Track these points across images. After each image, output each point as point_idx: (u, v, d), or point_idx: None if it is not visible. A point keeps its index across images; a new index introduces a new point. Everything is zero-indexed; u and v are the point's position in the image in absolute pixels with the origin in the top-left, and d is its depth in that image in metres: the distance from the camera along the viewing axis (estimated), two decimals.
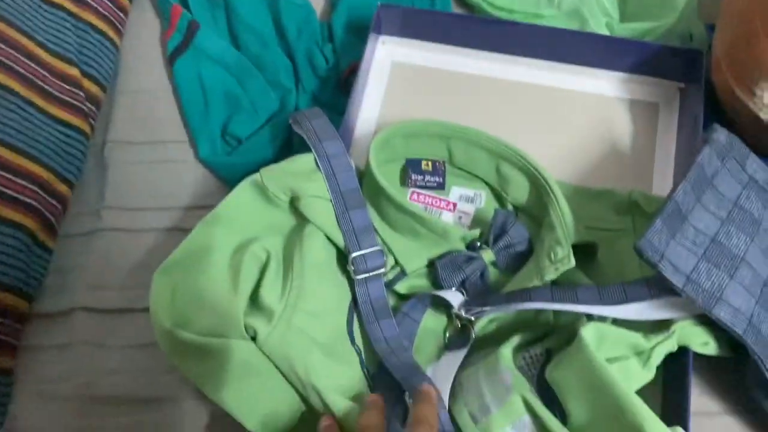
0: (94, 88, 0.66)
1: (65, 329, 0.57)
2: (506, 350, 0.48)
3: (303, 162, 0.54)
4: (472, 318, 0.50)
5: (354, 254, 0.52)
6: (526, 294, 0.49)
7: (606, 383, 0.43)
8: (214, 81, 0.67)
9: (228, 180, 0.63)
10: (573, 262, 0.49)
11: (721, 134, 0.51)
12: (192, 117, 0.66)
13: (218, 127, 0.65)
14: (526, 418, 0.45)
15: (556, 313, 0.52)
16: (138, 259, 0.60)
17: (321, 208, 0.52)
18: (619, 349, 0.46)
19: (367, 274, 0.52)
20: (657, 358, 0.46)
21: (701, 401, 0.51)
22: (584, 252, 0.53)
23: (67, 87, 0.64)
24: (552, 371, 0.46)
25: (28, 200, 0.58)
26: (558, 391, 0.46)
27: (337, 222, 0.52)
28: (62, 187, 0.61)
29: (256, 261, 0.49)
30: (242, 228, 0.52)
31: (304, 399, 0.48)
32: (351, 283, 0.53)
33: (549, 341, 0.51)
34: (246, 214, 0.52)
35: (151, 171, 0.64)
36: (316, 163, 0.54)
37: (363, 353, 0.52)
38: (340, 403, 0.46)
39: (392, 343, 0.51)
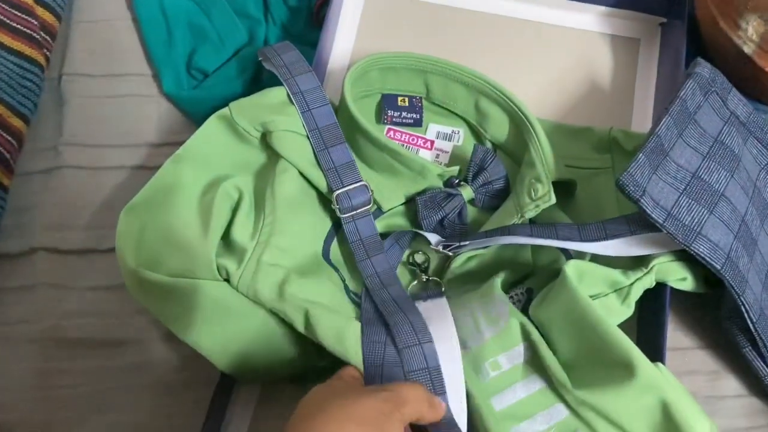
0: (48, 17, 0.62)
1: (27, 271, 0.55)
2: (498, 281, 0.47)
3: (274, 95, 0.52)
4: (451, 254, 0.49)
5: (337, 191, 0.50)
6: (505, 230, 0.48)
7: (591, 319, 0.43)
8: (178, 9, 0.63)
9: (193, 115, 0.60)
10: (554, 199, 0.48)
11: (704, 68, 0.50)
12: (155, 48, 0.62)
13: (183, 59, 0.62)
14: (521, 347, 0.45)
15: (535, 252, 0.51)
16: (100, 198, 0.57)
17: (293, 143, 0.50)
18: (598, 286, 0.46)
19: (353, 212, 0.50)
20: (636, 294, 0.46)
21: (675, 336, 0.52)
22: (563, 190, 0.52)
23: (19, 14, 0.59)
24: (536, 309, 0.46)
25: None
26: (542, 329, 0.45)
27: (316, 160, 0.51)
28: (17, 122, 0.57)
29: (228, 200, 0.48)
30: (212, 165, 0.50)
31: (280, 338, 0.47)
32: (328, 213, 0.52)
33: (530, 281, 0.50)
34: (215, 150, 0.51)
35: (112, 106, 0.61)
36: (289, 97, 0.51)
37: (347, 281, 0.51)
38: (326, 319, 0.45)
39: (384, 277, 0.49)
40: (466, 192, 0.52)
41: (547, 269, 0.50)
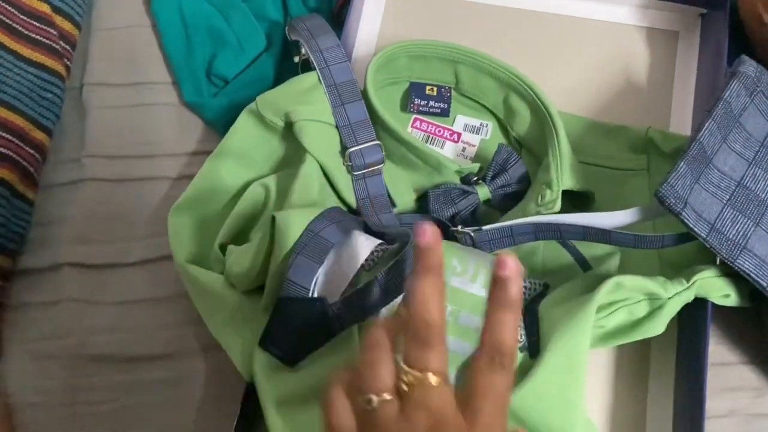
0: (67, 26, 0.61)
1: (53, 286, 0.54)
2: None
3: (300, 81, 0.52)
4: (472, 233, 0.47)
5: (351, 149, 0.50)
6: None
7: (581, 363, 0.40)
8: (196, 15, 0.62)
9: (215, 123, 0.59)
10: (558, 207, 0.47)
11: (749, 67, 0.47)
12: (174, 55, 0.61)
13: (202, 66, 0.60)
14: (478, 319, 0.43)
15: (546, 259, 0.50)
16: (125, 210, 0.57)
17: (316, 133, 0.50)
18: (633, 295, 0.44)
19: (365, 170, 0.50)
20: (672, 309, 0.43)
21: (717, 351, 0.49)
22: (584, 199, 0.50)
23: (38, 25, 0.59)
24: (548, 307, 0.44)
25: (4, 150, 0.54)
26: (542, 327, 0.43)
27: (334, 116, 0.51)
28: (39, 135, 0.57)
29: (252, 200, 0.50)
30: (248, 160, 0.52)
31: None
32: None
33: (549, 279, 0.48)
34: (249, 144, 0.52)
35: (134, 115, 0.60)
36: (318, 79, 0.51)
37: None
38: None
39: (392, 229, 0.48)
40: (483, 191, 0.51)
41: (560, 276, 0.48)
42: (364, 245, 0.43)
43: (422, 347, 0.33)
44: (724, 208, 0.42)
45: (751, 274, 0.41)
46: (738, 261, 0.41)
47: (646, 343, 0.48)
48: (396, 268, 0.41)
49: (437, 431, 0.31)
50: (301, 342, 0.41)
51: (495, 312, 0.34)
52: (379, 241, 0.44)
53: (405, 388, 0.32)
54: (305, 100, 0.51)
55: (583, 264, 0.50)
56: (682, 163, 0.42)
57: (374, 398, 0.32)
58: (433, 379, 0.32)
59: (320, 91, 0.51)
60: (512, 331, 0.34)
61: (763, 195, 0.43)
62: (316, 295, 0.42)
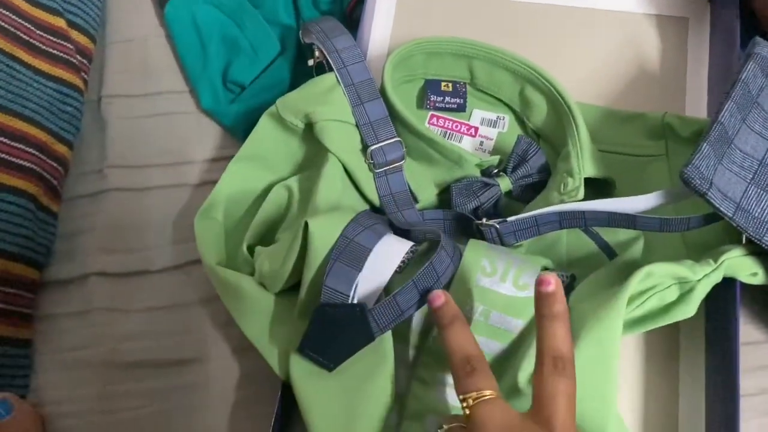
0: (83, 39, 0.62)
1: (81, 296, 0.55)
2: (542, 260, 0.47)
3: (320, 82, 0.52)
4: (497, 225, 0.47)
5: (372, 147, 0.50)
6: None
7: (614, 357, 0.41)
8: (210, 23, 0.62)
9: (234, 129, 0.60)
10: (581, 194, 0.47)
11: (764, 48, 0.47)
12: (190, 64, 0.62)
13: (218, 73, 0.61)
14: (519, 323, 0.44)
15: (570, 248, 0.50)
16: (148, 218, 0.57)
17: (337, 133, 0.50)
18: (664, 281, 0.44)
19: (386, 167, 0.51)
20: (702, 291, 0.43)
21: (745, 330, 0.49)
22: (606, 186, 0.51)
23: (54, 40, 0.59)
24: (577, 302, 0.44)
25: (27, 164, 0.55)
26: (572, 322, 0.42)
27: (354, 116, 0.51)
28: (61, 148, 0.58)
29: (276, 201, 0.51)
30: (270, 162, 0.53)
31: None
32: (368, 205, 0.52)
33: (574, 268, 0.49)
34: (271, 147, 0.53)
35: (153, 125, 0.61)
36: (337, 79, 0.52)
37: None
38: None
39: (417, 226, 0.49)
40: (504, 183, 0.51)
41: (585, 265, 0.48)
42: (397, 249, 0.44)
43: (469, 375, 0.37)
44: (748, 186, 0.42)
45: None
46: (765, 238, 0.41)
47: (675, 326, 0.48)
48: (430, 270, 0.42)
49: None
50: (341, 347, 0.42)
51: (545, 325, 0.38)
52: (411, 244, 0.45)
53: (468, 412, 0.36)
54: (325, 100, 0.51)
55: (608, 251, 0.50)
56: (705, 144, 0.42)
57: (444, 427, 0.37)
58: (488, 393, 0.36)
59: (339, 92, 0.52)
60: (565, 339, 0.38)
61: None
62: (355, 301, 0.42)
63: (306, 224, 0.44)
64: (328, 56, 0.52)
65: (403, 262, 0.44)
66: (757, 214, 0.41)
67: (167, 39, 0.64)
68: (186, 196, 0.58)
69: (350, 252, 0.42)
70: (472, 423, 0.36)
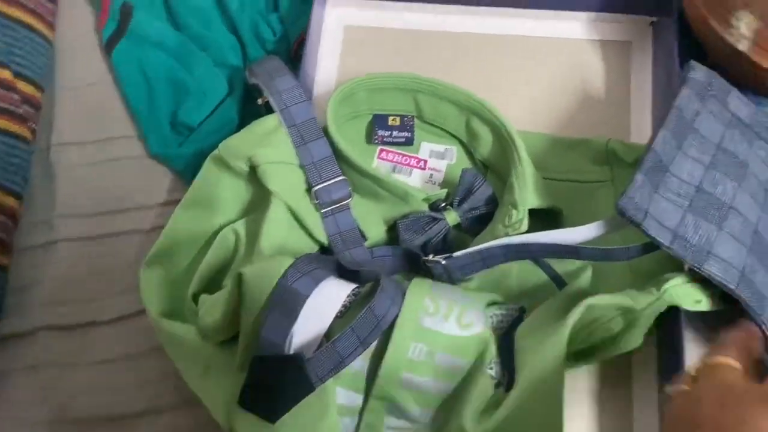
0: (29, 89, 0.62)
1: (31, 350, 0.54)
2: (488, 295, 0.47)
3: (261, 124, 0.52)
4: (443, 261, 0.47)
5: (316, 187, 0.51)
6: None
7: (558, 394, 0.39)
8: (157, 67, 0.62)
9: (184, 173, 0.59)
10: (525, 227, 0.47)
11: (699, 72, 0.48)
12: (138, 109, 0.61)
13: (166, 117, 0.61)
14: (464, 363, 0.43)
15: (521, 279, 0.50)
16: (98, 268, 0.57)
17: (280, 174, 0.50)
18: (607, 313, 0.44)
19: (333, 206, 0.51)
20: (646, 321, 0.43)
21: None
22: (554, 218, 0.51)
23: (0, 92, 0.59)
24: (522, 338, 0.44)
25: None
26: (517, 360, 0.43)
27: (297, 156, 0.51)
28: (10, 201, 0.57)
29: (223, 246, 0.50)
30: (217, 207, 0.52)
31: None
32: (316, 245, 0.51)
33: (525, 299, 0.49)
34: (216, 191, 0.52)
35: (102, 172, 0.60)
36: (279, 121, 0.52)
37: None
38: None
39: (364, 265, 0.49)
40: (451, 217, 0.51)
41: (535, 296, 0.48)
42: (336, 294, 0.43)
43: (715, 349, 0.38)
44: (685, 214, 0.42)
45: (719, 278, 0.41)
46: (705, 266, 0.41)
47: (627, 355, 0.48)
48: (368, 315, 0.42)
49: (729, 394, 0.34)
50: (281, 399, 0.41)
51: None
52: (353, 287, 0.44)
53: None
54: (267, 142, 0.51)
55: (558, 281, 0.50)
56: (639, 174, 0.42)
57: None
58: (719, 359, 0.36)
59: (281, 133, 0.52)
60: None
61: (723, 198, 0.43)
62: (291, 352, 0.42)
63: (240, 275, 0.43)
64: (270, 97, 0.52)
65: (344, 306, 0.44)
66: (694, 242, 0.41)
67: (116, 84, 0.64)
68: (137, 243, 0.58)
69: (286, 300, 0.41)
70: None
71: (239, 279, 0.43)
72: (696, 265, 0.41)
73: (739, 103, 0.48)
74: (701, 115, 0.47)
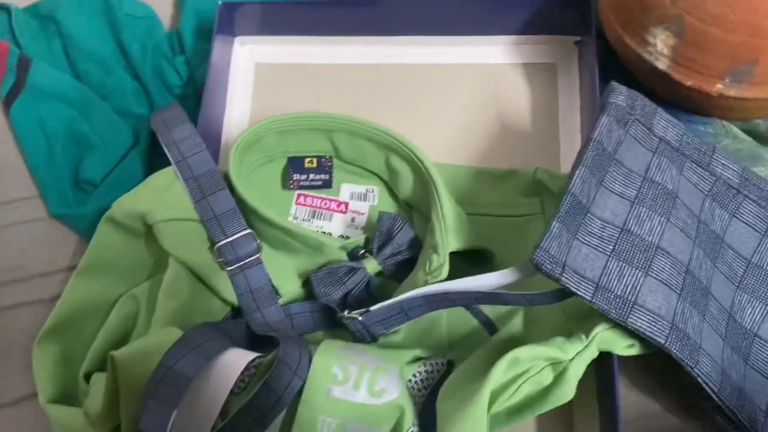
0: None
1: None
2: (405, 354, 0.42)
3: (156, 179, 0.49)
4: (360, 317, 0.44)
5: (219, 243, 0.46)
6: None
7: None
8: (57, 121, 0.58)
9: (88, 233, 0.55)
10: (444, 274, 0.43)
11: (619, 96, 0.44)
12: (37, 167, 0.57)
13: (68, 174, 0.57)
14: None
15: (450, 326, 0.47)
16: None
17: (177, 232, 0.47)
18: (535, 364, 0.40)
19: (240, 263, 0.46)
20: (577, 371, 0.39)
21: (643, 403, 0.45)
22: (484, 257, 0.47)
23: None
24: (443, 399, 0.40)
25: None
26: (439, 424, 0.39)
27: (197, 211, 0.47)
28: None
29: (122, 313, 0.47)
30: (115, 271, 0.48)
31: None
32: (224, 300, 0.47)
33: (453, 353, 0.45)
34: (114, 254, 0.48)
35: (0, 238, 0.56)
36: (175, 173, 0.48)
37: None
38: None
39: (277, 327, 0.45)
40: (371, 265, 0.47)
41: (467, 344, 0.45)
42: (231, 368, 0.39)
43: None
44: (608, 260, 0.39)
45: (647, 332, 0.37)
46: (630, 320, 0.37)
47: (567, 406, 0.44)
48: (265, 390, 0.37)
49: None
50: None
51: None
52: (251, 357, 0.40)
53: None
54: (163, 198, 0.47)
55: (489, 326, 0.47)
56: (555, 221, 0.39)
57: None
58: None
59: (178, 186, 0.48)
60: None
61: (650, 238, 0.40)
62: None
63: (112, 358, 0.39)
64: (165, 148, 0.48)
65: (243, 380, 0.39)
66: (619, 292, 0.38)
67: (15, 143, 0.59)
68: (41, 314, 0.53)
69: (167, 384, 0.37)
70: None
71: (112, 364, 0.39)
72: (620, 319, 0.38)
73: (666, 124, 0.45)
74: (624, 143, 0.43)
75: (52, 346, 0.46)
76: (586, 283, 0.37)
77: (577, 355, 0.39)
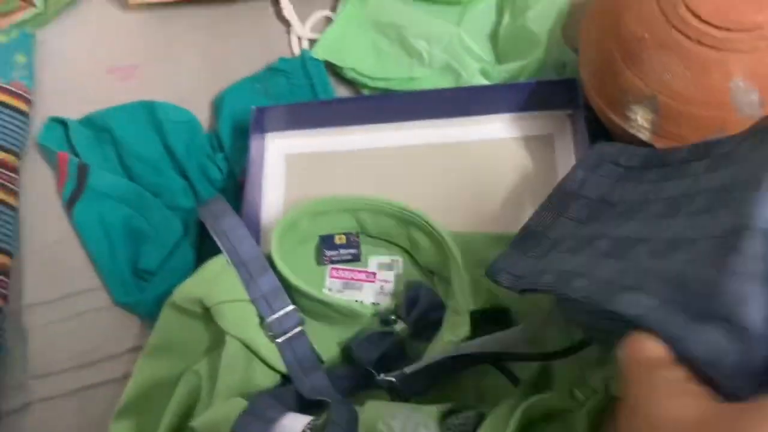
0: (1, 259, 0.65)
1: None
2: (436, 411, 0.45)
3: (210, 266, 0.55)
4: (393, 379, 0.49)
5: (268, 319, 0.52)
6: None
7: None
8: (115, 218, 0.66)
9: (150, 317, 0.62)
10: (465, 333, 0.49)
11: (593, 153, 0.49)
12: (100, 261, 0.65)
13: (127, 265, 0.64)
14: None
15: (474, 378, 0.51)
16: (74, 424, 0.58)
17: (232, 312, 0.52)
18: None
19: (287, 335, 0.52)
20: (584, 423, 0.43)
21: None
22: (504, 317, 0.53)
23: None
24: None
25: None
26: None
27: (247, 292, 0.53)
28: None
29: (186, 388, 0.51)
30: (179, 352, 0.53)
31: None
32: (277, 374, 0.53)
33: (484, 406, 0.49)
34: (177, 336, 0.54)
35: (70, 327, 0.63)
36: (226, 260, 0.54)
37: None
38: None
39: (323, 390, 0.50)
40: (401, 328, 0.53)
41: (494, 396, 0.49)
42: (291, 430, 0.45)
43: None
44: (538, 261, 0.44)
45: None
46: (540, 282, 0.41)
47: None
48: None
49: None
50: None
51: None
52: (307, 420, 0.46)
53: None
54: (217, 282, 0.53)
55: (512, 377, 0.51)
56: (508, 248, 0.46)
57: None
58: None
59: (230, 272, 0.54)
60: None
61: (588, 233, 0.44)
62: None
63: (191, 429, 0.45)
64: (216, 238, 0.55)
65: None
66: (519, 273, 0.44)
67: (78, 240, 0.67)
68: (112, 393, 0.59)
69: None
70: None
71: None
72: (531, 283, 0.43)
73: (630, 154, 0.47)
74: (589, 180, 0.48)
75: (127, 422, 0.52)
76: (514, 278, 0.44)
77: (584, 404, 0.44)
